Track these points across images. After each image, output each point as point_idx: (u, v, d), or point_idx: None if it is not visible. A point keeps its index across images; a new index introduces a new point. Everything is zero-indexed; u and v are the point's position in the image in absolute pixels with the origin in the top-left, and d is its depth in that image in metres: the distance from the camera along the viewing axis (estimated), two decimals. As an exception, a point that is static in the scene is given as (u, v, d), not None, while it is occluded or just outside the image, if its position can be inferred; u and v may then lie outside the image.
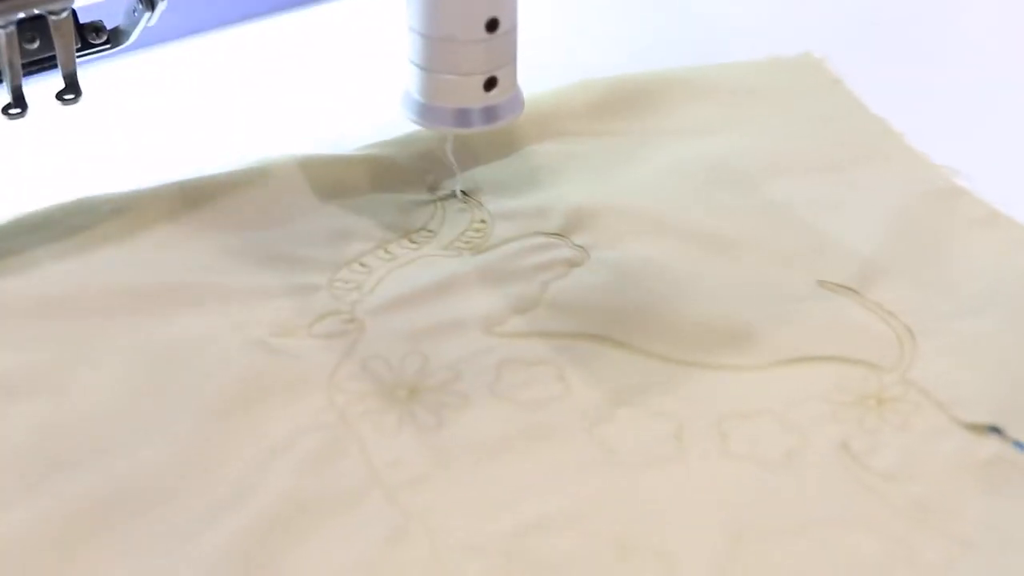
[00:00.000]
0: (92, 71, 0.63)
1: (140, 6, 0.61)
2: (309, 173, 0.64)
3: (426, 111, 0.59)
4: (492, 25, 0.57)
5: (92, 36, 0.61)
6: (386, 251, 0.61)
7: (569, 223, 0.63)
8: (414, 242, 0.62)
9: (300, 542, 0.49)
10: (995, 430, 0.54)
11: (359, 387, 0.55)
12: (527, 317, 0.58)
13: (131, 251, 0.61)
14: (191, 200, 0.63)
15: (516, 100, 0.60)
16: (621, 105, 0.70)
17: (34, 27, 0.58)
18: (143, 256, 0.61)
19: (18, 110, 0.59)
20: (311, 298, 0.59)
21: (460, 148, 0.65)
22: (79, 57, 0.60)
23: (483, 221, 0.63)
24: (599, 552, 0.49)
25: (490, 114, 0.59)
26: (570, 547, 0.49)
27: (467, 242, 0.62)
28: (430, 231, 0.62)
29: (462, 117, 0.59)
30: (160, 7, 0.60)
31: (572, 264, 0.61)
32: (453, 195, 0.64)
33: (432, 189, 0.64)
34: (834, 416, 0.54)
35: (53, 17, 0.58)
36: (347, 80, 0.73)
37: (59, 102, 0.60)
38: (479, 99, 0.58)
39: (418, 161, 0.65)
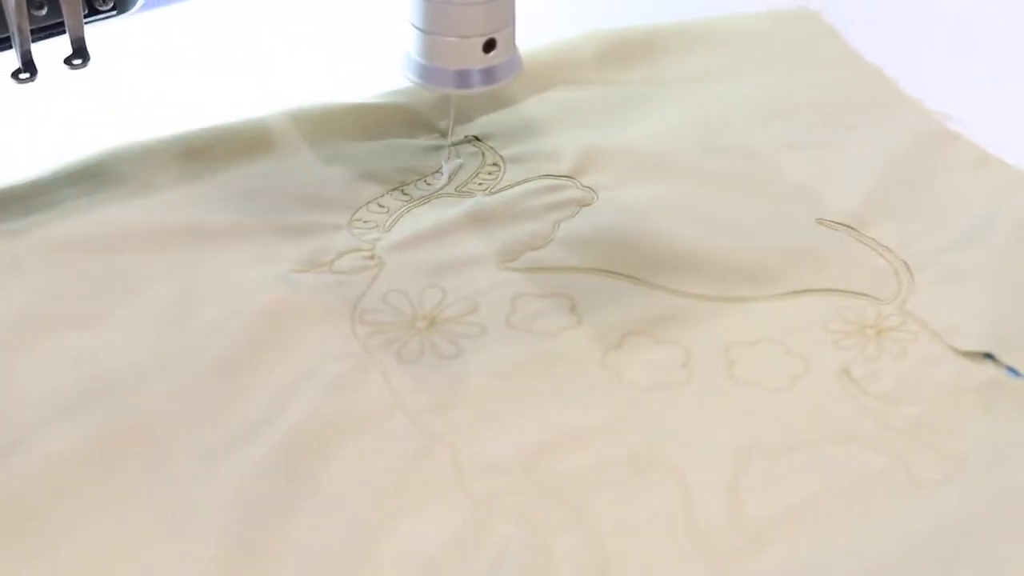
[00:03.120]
0: (98, 30, 0.64)
1: None
2: (324, 119, 0.67)
3: (427, 72, 0.60)
4: (491, -12, 0.57)
5: (99, 3, 0.62)
6: (403, 192, 0.64)
7: (577, 166, 0.65)
8: (429, 184, 0.64)
9: (328, 460, 0.52)
10: (989, 356, 0.56)
11: (380, 319, 0.57)
12: (540, 253, 0.60)
13: (156, 196, 0.63)
14: (208, 148, 0.65)
15: (515, 61, 0.61)
16: (626, 55, 0.73)
17: (43, -7, 0.59)
18: (166, 200, 0.63)
19: (27, 74, 0.60)
20: (331, 236, 0.61)
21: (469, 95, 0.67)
22: (86, 23, 0.61)
23: (495, 164, 0.65)
24: (614, 468, 0.52)
25: (489, 75, 0.60)
26: (586, 464, 0.52)
27: (480, 184, 0.64)
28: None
29: (462, 78, 0.60)
30: None
31: (581, 204, 0.63)
32: (465, 140, 0.66)
33: (445, 134, 0.67)
34: (835, 344, 0.57)
35: (61, -16, 0.59)
36: (349, 35, 0.75)
37: (68, 67, 0.61)
38: (479, 60, 0.59)
39: (430, 108, 0.68)
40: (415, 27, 0.59)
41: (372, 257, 0.60)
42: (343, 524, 0.50)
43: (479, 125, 0.67)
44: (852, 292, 0.59)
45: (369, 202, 0.63)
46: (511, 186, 0.64)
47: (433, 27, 0.59)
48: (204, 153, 0.65)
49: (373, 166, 0.65)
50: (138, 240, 0.61)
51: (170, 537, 0.49)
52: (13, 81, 0.60)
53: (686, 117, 0.69)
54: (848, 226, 0.62)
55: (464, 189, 0.64)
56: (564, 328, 0.57)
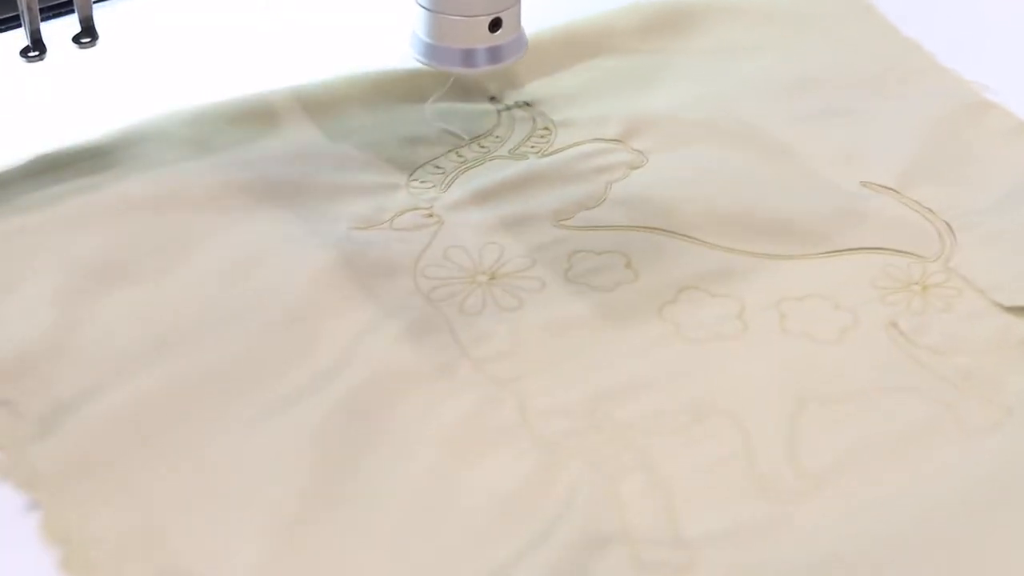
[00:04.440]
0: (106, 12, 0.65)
1: None
2: (378, 85, 0.68)
3: (433, 51, 0.61)
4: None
5: (107, -18, 0.63)
6: (458, 154, 0.65)
7: (625, 131, 0.67)
8: (483, 146, 0.66)
9: (397, 408, 0.53)
10: (1031, 312, 0.58)
11: (442, 273, 0.59)
12: (593, 212, 0.62)
13: (214, 158, 0.65)
14: (264, 111, 0.67)
15: (520, 40, 0.62)
16: (666, 26, 0.74)
17: (52, -27, 0.60)
18: (224, 161, 0.64)
19: (36, 53, 0.61)
20: (389, 196, 0.63)
21: (522, 62, 0.69)
22: (95, 2, 0.62)
23: (546, 128, 0.67)
24: (675, 415, 0.54)
25: (495, 54, 0.61)
26: (648, 410, 0.54)
27: (532, 147, 0.66)
28: (497, 137, 0.66)
29: (468, 57, 0.61)
30: None
31: (632, 166, 0.65)
32: (516, 106, 0.68)
33: (493, 100, 0.69)
34: (882, 300, 0.59)
35: (70, -36, 0.59)
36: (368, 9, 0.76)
37: (76, 46, 0.62)
38: (484, 40, 0.60)
39: (480, 74, 0.69)
40: (421, 6, 0.60)
41: (431, 215, 0.62)
42: (415, 469, 0.51)
43: (529, 91, 0.69)
44: (897, 251, 0.61)
45: (425, 163, 0.65)
46: (562, 149, 0.66)
47: (439, 6, 0.59)
48: (260, 116, 0.67)
49: (427, 129, 0.66)
50: (198, 199, 0.62)
51: (244, 482, 0.51)
52: (23, 59, 0.61)
53: (728, 86, 0.70)
54: (891, 189, 0.64)
55: (517, 152, 0.66)
56: (621, 283, 0.59)
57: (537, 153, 0.66)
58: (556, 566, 0.48)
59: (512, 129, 0.67)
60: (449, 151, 0.65)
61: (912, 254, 0.61)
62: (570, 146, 0.66)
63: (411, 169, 0.64)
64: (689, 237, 0.61)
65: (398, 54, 0.68)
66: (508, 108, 0.68)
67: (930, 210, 0.63)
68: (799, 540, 0.49)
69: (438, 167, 0.64)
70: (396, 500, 0.50)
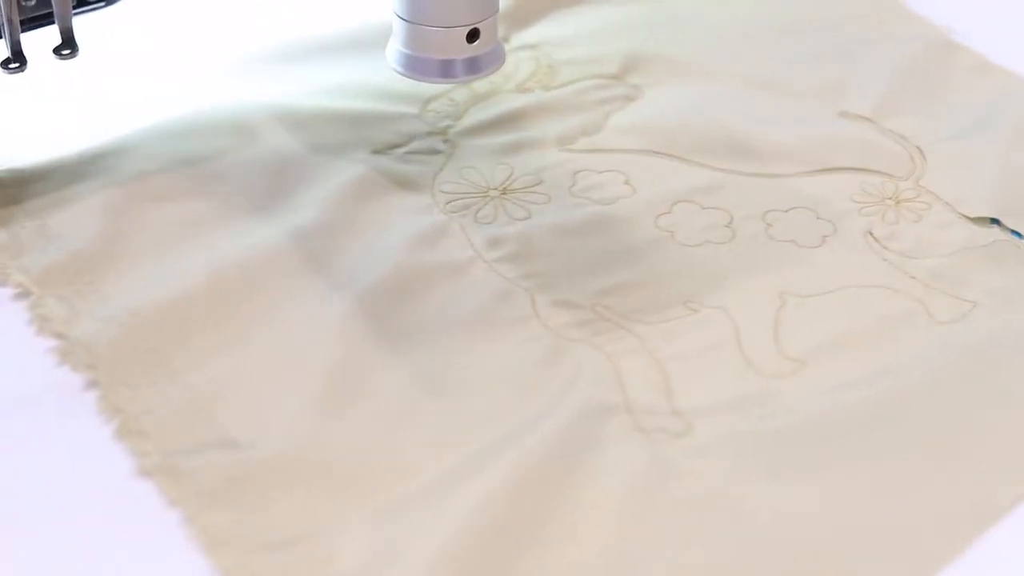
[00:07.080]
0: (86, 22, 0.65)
1: None
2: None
3: (411, 62, 0.62)
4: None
5: (88, -7, 0.63)
6: (469, 88, 0.71)
7: (623, 68, 0.73)
8: (492, 82, 0.71)
9: (419, 300, 0.59)
10: (995, 221, 0.64)
11: (457, 189, 0.65)
12: (594, 138, 0.68)
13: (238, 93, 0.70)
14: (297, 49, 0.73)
15: (498, 52, 0.64)
16: None
17: (32, -16, 0.61)
18: (250, 94, 0.70)
19: (17, 64, 0.62)
20: (407, 123, 0.68)
21: (523, 7, 0.75)
22: (75, 14, 0.63)
23: (549, 67, 0.73)
24: (671, 307, 0.59)
25: (473, 65, 0.63)
26: (644, 303, 0.59)
27: (537, 82, 0.72)
28: (505, 74, 0.72)
29: (446, 68, 0.62)
30: None
31: (629, 99, 0.71)
32: (521, 47, 0.74)
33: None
34: (860, 212, 0.64)
35: (51, -25, 0.59)
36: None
37: (56, 57, 0.63)
38: (462, 51, 0.62)
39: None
40: (399, 17, 0.61)
41: (446, 140, 0.67)
42: (437, 350, 0.57)
43: (532, 34, 0.75)
44: (873, 171, 0.67)
45: (439, 97, 0.70)
46: (565, 84, 0.72)
47: (417, 17, 0.61)
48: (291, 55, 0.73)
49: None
50: (227, 129, 0.68)
51: (279, 366, 0.56)
52: (3, 71, 0.62)
53: (713, 30, 0.76)
54: (867, 119, 0.70)
55: (523, 87, 0.71)
56: (620, 196, 0.65)
57: (542, 87, 0.71)
58: (567, 430, 0.53)
59: (518, 67, 0.73)
60: (460, 86, 0.71)
61: (886, 174, 0.67)
62: (571, 82, 0.72)
63: (425, 101, 0.70)
64: (682, 159, 0.67)
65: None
66: (514, 49, 0.74)
67: (903, 136, 0.69)
68: (786, 409, 0.55)
69: (452, 100, 0.70)
70: (419, 376, 0.56)
